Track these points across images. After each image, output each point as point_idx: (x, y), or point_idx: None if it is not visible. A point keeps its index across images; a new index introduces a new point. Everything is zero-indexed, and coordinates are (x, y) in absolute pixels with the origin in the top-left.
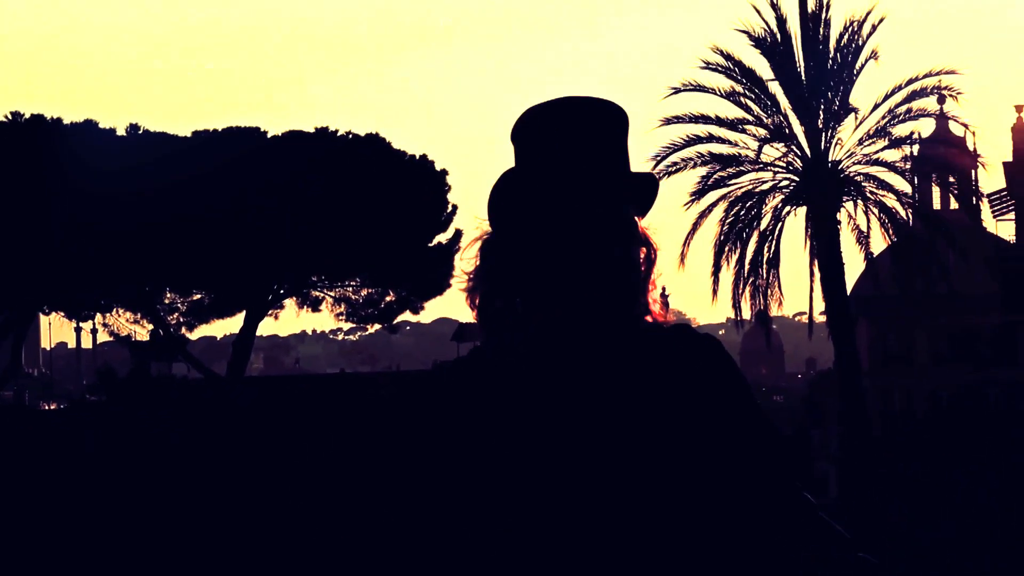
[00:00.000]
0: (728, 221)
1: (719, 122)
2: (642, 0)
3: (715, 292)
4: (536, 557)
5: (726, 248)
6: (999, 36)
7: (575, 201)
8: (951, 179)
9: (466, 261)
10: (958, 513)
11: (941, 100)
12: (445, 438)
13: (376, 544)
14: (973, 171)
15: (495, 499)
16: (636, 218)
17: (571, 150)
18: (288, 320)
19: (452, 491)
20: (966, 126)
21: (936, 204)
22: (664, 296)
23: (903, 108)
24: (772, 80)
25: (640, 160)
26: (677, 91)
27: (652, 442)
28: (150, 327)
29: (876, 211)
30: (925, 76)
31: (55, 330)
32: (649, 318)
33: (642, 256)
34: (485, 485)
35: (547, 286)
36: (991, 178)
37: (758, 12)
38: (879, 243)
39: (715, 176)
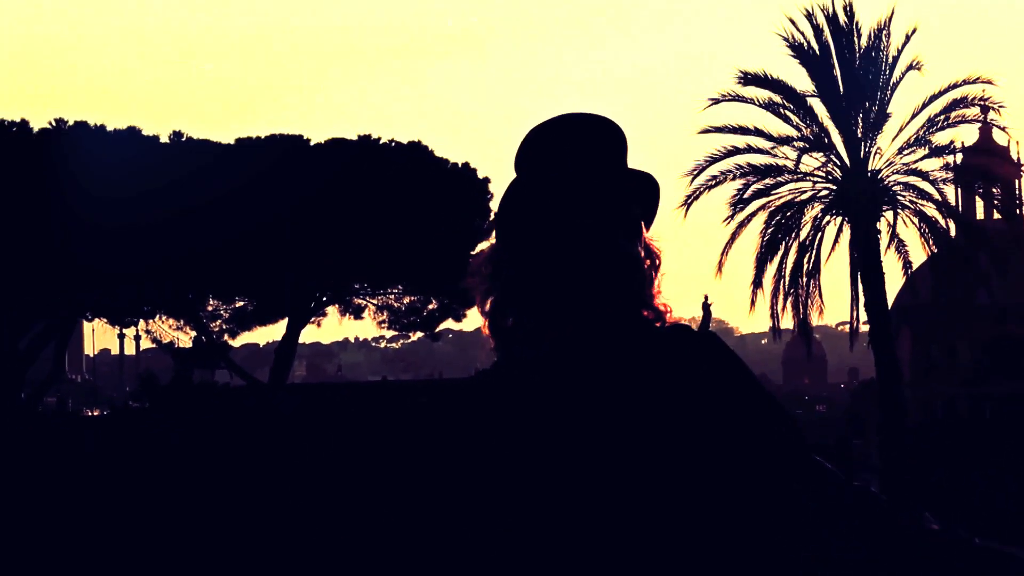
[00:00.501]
0: (768, 231)
1: (757, 133)
2: (679, 10)
3: (753, 302)
4: (552, 567)
5: (767, 258)
6: None
7: (579, 205)
8: (994, 189)
9: (476, 276)
10: (996, 523)
11: (984, 110)
12: (465, 451)
13: (389, 554)
14: (1016, 180)
15: (514, 512)
16: (643, 223)
17: (573, 158)
18: (330, 328)
19: (470, 503)
20: (1004, 130)
21: (979, 214)
22: (707, 305)
23: (942, 117)
24: (813, 96)
25: (678, 173)
26: (716, 102)
27: (672, 450)
28: (193, 334)
29: (916, 221)
30: (963, 83)
31: (99, 336)
32: (658, 323)
33: (647, 261)
34: (504, 498)
35: (555, 295)
36: None
37: (793, 23)
38: (919, 253)
39: (754, 187)
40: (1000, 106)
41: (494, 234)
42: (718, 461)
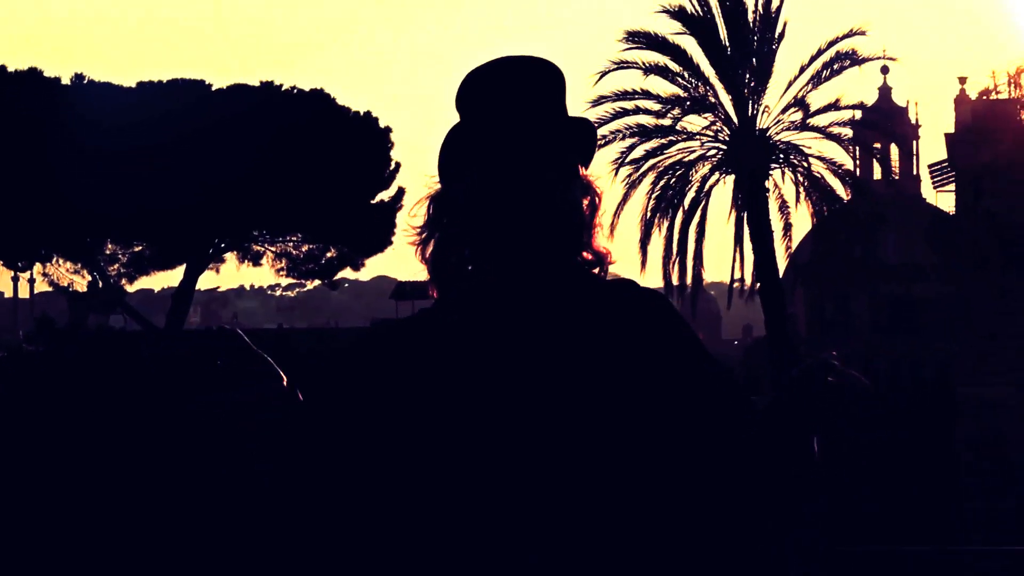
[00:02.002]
0: (656, 191)
1: (645, 95)
2: None
3: (643, 263)
4: (478, 513)
5: (655, 217)
6: (946, 9)
7: (517, 149)
8: (891, 148)
9: (415, 217)
10: (883, 480)
11: (884, 70)
12: (385, 395)
13: (308, 506)
14: (915, 140)
15: (436, 456)
16: (580, 166)
17: (512, 102)
18: (226, 274)
19: (391, 449)
20: (892, 59)
21: (876, 174)
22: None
23: (827, 72)
24: (693, 42)
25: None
26: (604, 74)
27: (596, 393)
28: (89, 278)
29: (804, 180)
30: (842, 37)
31: None
32: (597, 267)
33: (586, 202)
34: (426, 442)
35: (493, 236)
36: (933, 149)
37: None
38: (807, 212)
39: (643, 147)
40: (875, 58)
41: (436, 178)
42: (645, 407)
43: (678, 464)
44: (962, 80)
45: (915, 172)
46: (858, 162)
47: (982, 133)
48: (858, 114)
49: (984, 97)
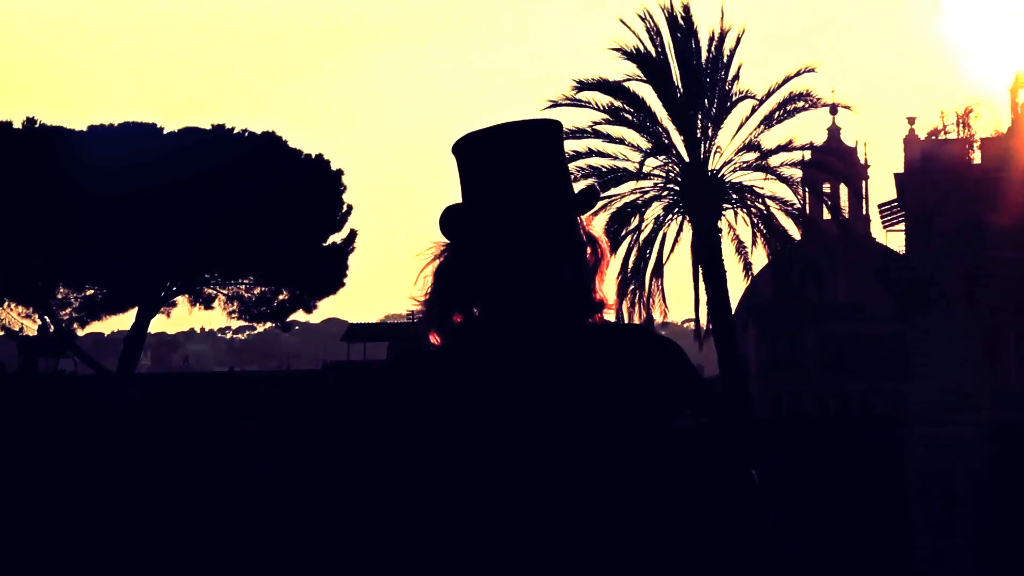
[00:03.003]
0: (610, 232)
1: (596, 135)
2: (515, 20)
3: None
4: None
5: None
6: (894, 50)
7: (523, 221)
8: (840, 189)
9: (423, 280)
10: (839, 518)
11: (833, 111)
12: (413, 414)
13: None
14: (864, 181)
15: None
16: (585, 218)
17: (515, 175)
18: (177, 318)
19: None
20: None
21: (826, 215)
22: None
23: (780, 114)
24: (644, 83)
25: None
26: (555, 104)
27: (591, 427)
28: (40, 322)
29: (756, 220)
30: (794, 76)
31: None
32: (600, 317)
33: (589, 254)
34: (444, 469)
35: (502, 299)
36: (882, 189)
37: (627, 26)
38: (762, 252)
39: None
40: (825, 104)
41: (434, 246)
42: (638, 442)
43: (652, 482)
44: (911, 120)
45: (864, 212)
46: (807, 202)
47: (931, 173)
48: (807, 155)
49: (933, 137)
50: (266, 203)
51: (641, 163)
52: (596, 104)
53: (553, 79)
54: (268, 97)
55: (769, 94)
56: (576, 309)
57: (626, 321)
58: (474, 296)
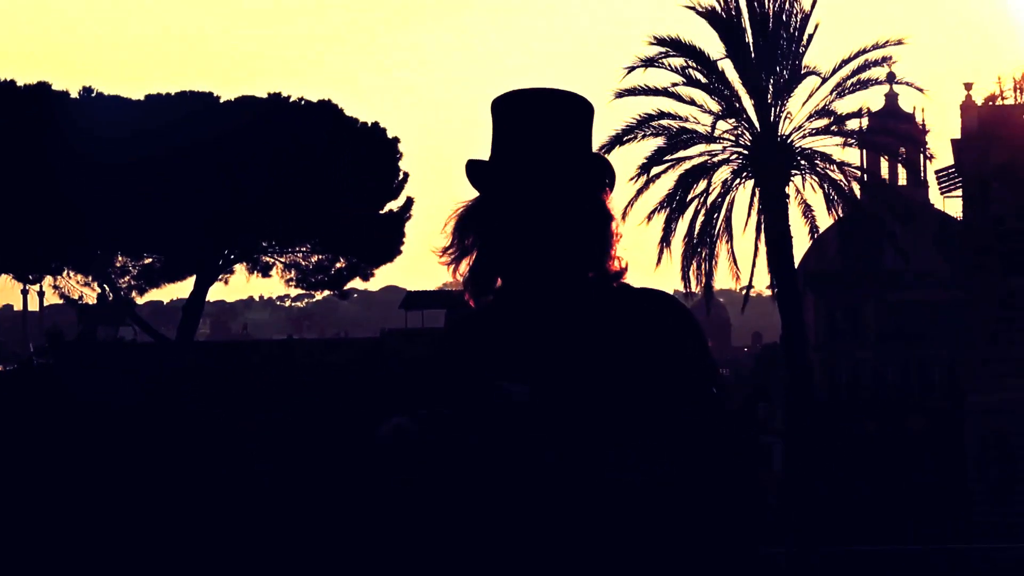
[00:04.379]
0: (677, 194)
1: (669, 94)
2: None
3: (659, 262)
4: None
5: (673, 220)
6: (950, 14)
7: (542, 177)
8: (901, 153)
9: (446, 233)
10: (892, 486)
11: (891, 77)
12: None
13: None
14: (922, 146)
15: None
16: (597, 191)
17: (536, 132)
18: (236, 286)
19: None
20: (920, 90)
21: (885, 180)
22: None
23: (851, 81)
24: (724, 59)
25: (599, 138)
26: (631, 69)
27: (595, 378)
28: (99, 291)
29: (824, 185)
30: (872, 48)
31: (2, 293)
32: (615, 280)
33: (607, 224)
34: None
35: (513, 254)
36: (940, 155)
37: None
38: (826, 217)
39: (665, 149)
40: (899, 82)
41: (461, 202)
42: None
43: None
44: (968, 86)
45: (922, 178)
46: (866, 168)
47: (988, 138)
48: (866, 121)
49: (990, 102)
50: (323, 171)
51: (713, 125)
52: (669, 65)
53: (621, 44)
54: (324, 65)
55: (843, 63)
56: (583, 262)
57: (692, 286)
58: (488, 251)
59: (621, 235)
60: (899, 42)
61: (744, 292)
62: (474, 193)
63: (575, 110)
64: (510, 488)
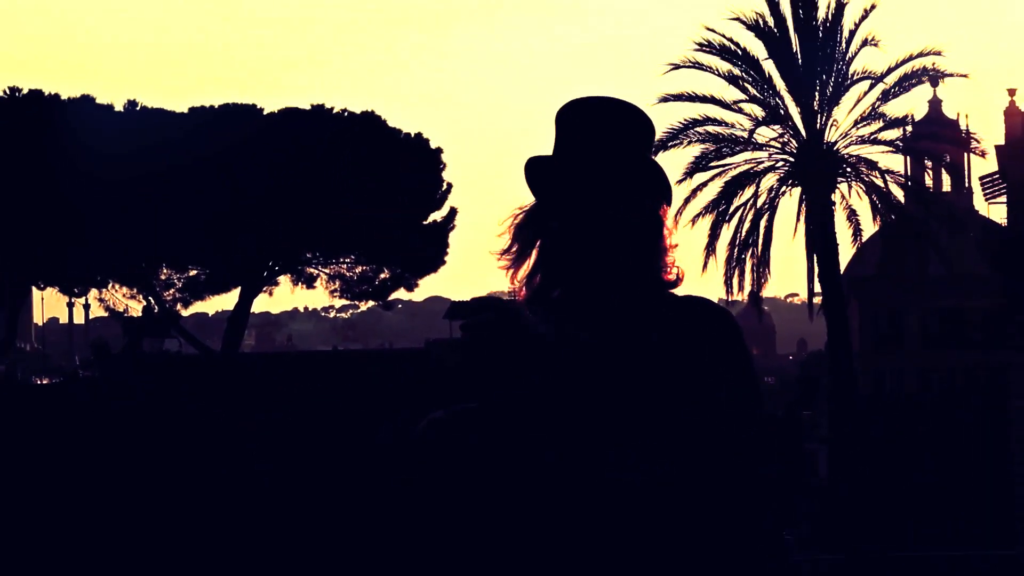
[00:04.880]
0: (722, 200)
1: (715, 101)
2: None
3: (704, 268)
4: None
5: (718, 227)
6: (993, 20)
7: (603, 184)
8: (944, 159)
9: (503, 238)
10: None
11: (934, 83)
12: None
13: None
14: (965, 154)
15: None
16: (653, 201)
17: (596, 142)
18: (280, 297)
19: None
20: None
21: (929, 186)
22: None
23: (895, 89)
24: (767, 59)
25: None
26: (676, 67)
27: (636, 387)
28: (144, 303)
29: (869, 192)
30: (916, 56)
31: (47, 305)
32: (670, 277)
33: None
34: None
35: (571, 262)
36: (983, 161)
37: None
38: (870, 224)
39: (710, 155)
40: (945, 74)
41: (521, 207)
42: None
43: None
44: (1011, 92)
45: (967, 184)
46: (909, 175)
47: None
48: (910, 128)
49: None
50: (366, 182)
51: (751, 131)
52: (715, 70)
53: (663, 52)
54: (367, 77)
55: (888, 71)
56: (637, 271)
57: (734, 293)
58: (545, 258)
59: (676, 245)
60: (938, 52)
61: (798, 300)
62: (530, 197)
63: (636, 122)
64: (512, 489)
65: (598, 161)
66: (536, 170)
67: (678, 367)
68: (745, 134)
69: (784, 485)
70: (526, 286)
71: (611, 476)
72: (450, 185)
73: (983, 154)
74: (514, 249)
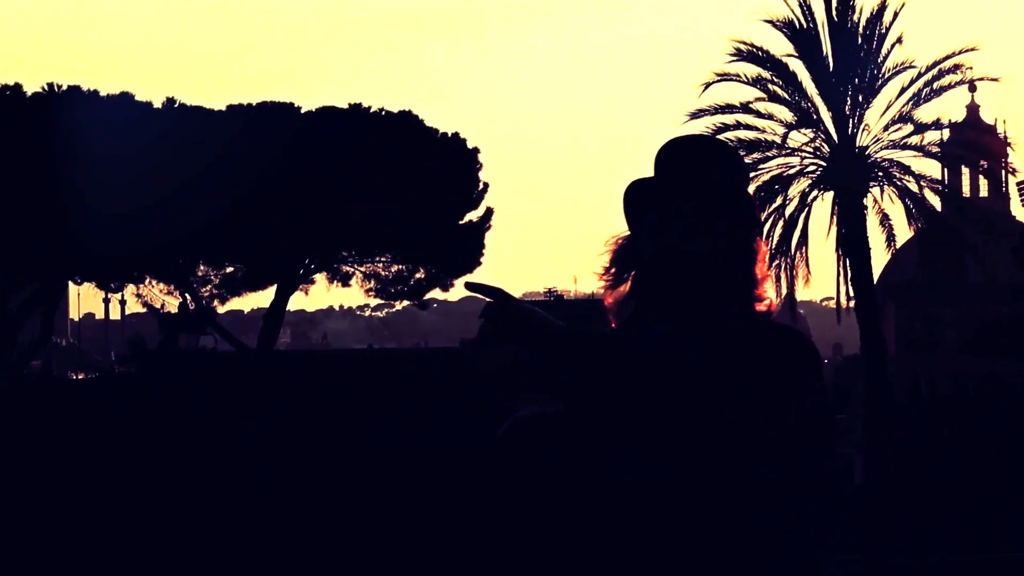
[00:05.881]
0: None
1: (745, 109)
2: None
3: None
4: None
5: None
6: None
7: (704, 216)
8: (981, 165)
9: (603, 264)
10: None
11: (972, 88)
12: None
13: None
14: (1003, 158)
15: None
16: (745, 230)
17: (692, 178)
18: (315, 296)
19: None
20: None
21: (966, 191)
22: None
23: (926, 90)
24: (795, 57)
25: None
26: (708, 85)
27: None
28: (180, 299)
29: (903, 197)
30: (947, 57)
31: (83, 301)
32: (761, 307)
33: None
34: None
35: (665, 290)
36: (1022, 167)
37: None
38: (905, 229)
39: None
40: (979, 79)
41: (618, 236)
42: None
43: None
44: None
45: (1004, 190)
46: (946, 180)
47: None
48: (947, 132)
49: None
50: (402, 181)
51: (785, 136)
52: (746, 77)
53: (700, 54)
54: (405, 76)
55: (922, 73)
56: (729, 300)
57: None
58: (639, 286)
59: (769, 275)
60: (972, 49)
61: (833, 304)
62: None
63: (729, 156)
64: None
65: (695, 192)
66: (634, 195)
67: (745, 379)
68: (777, 139)
69: (822, 489)
70: (620, 310)
71: (611, 476)
72: (486, 185)
73: (1013, 170)
74: (612, 272)
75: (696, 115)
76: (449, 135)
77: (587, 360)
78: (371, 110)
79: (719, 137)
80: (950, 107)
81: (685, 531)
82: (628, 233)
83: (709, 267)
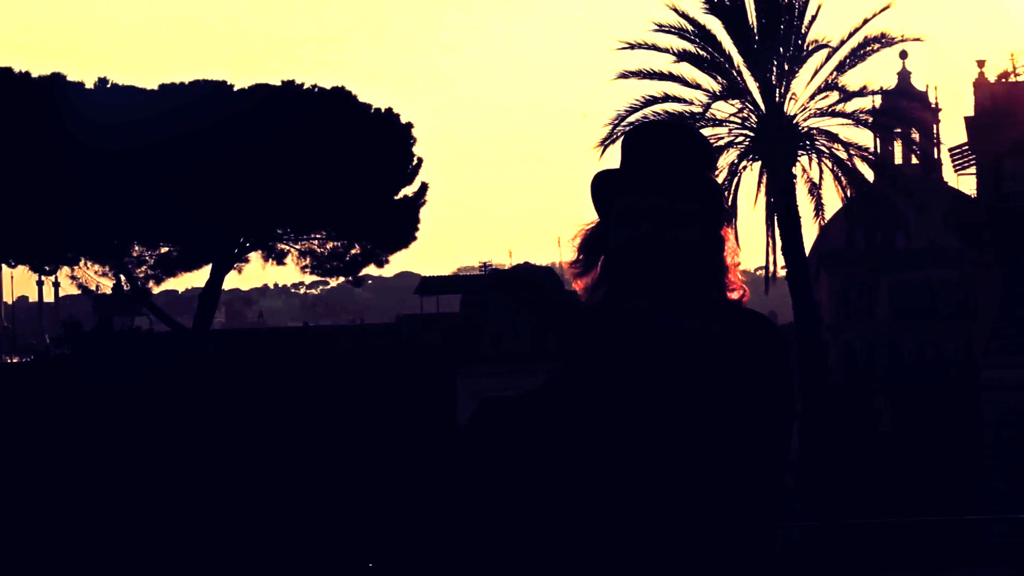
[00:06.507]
0: None
1: (673, 78)
2: None
3: None
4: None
5: None
6: None
7: (657, 204)
8: (912, 133)
9: (572, 252)
10: (908, 466)
11: (903, 55)
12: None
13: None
14: (935, 125)
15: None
16: (712, 216)
17: (658, 164)
18: (249, 274)
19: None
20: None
21: (899, 159)
22: None
23: (851, 60)
24: (720, 26)
25: (599, 123)
26: (631, 47)
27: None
28: (114, 281)
29: (831, 165)
30: (866, 21)
31: (17, 283)
32: (734, 296)
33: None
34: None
35: (635, 277)
36: (953, 133)
37: None
38: (836, 198)
39: None
40: (903, 39)
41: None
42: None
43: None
44: (981, 63)
45: (936, 156)
46: (878, 147)
47: (1002, 116)
48: (878, 100)
49: (1003, 80)
50: (337, 157)
51: (706, 106)
52: (672, 49)
53: (626, 24)
54: (337, 52)
55: (847, 37)
56: (698, 286)
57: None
58: (609, 272)
59: (739, 264)
60: (887, 7)
61: (765, 274)
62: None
63: (696, 142)
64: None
65: (662, 180)
66: (602, 185)
67: (745, 379)
68: (707, 112)
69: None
70: (590, 295)
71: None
72: (421, 160)
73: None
74: (580, 260)
75: (624, 76)
76: (383, 110)
77: (614, 338)
78: (304, 87)
79: (685, 123)
80: (880, 74)
81: (669, 533)
82: (596, 221)
83: (686, 256)
